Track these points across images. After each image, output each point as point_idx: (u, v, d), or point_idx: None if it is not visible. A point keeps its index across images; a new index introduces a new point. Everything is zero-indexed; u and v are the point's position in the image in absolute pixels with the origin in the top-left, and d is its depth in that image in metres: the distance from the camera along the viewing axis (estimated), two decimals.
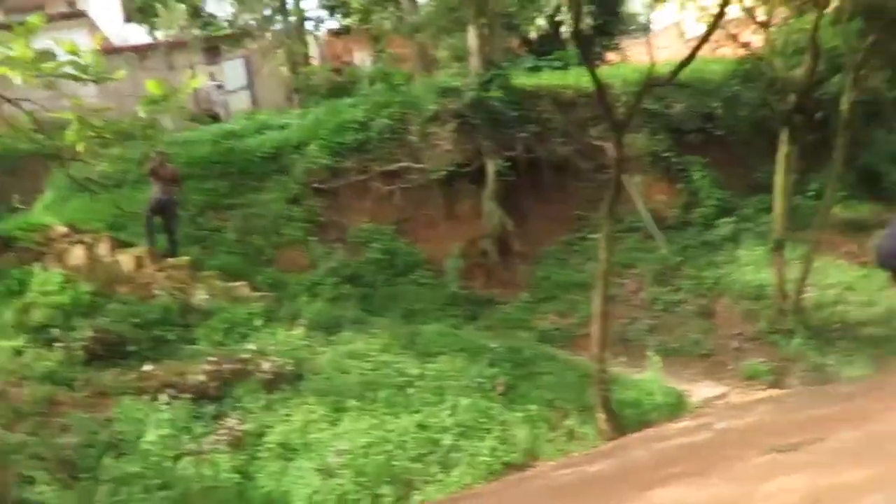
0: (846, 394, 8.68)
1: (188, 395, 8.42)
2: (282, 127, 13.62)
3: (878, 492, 4.90)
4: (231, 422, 8.24)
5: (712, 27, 10.50)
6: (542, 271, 12.90)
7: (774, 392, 9.93)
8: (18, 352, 8.82)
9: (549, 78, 14.78)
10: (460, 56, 15.60)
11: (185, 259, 10.94)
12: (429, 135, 12.92)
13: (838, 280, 12.43)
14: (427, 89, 13.36)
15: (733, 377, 10.62)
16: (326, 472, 7.54)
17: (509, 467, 8.11)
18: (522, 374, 9.63)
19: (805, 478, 5.58)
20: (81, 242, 10.52)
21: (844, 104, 12.10)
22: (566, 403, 9.10)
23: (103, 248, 10.55)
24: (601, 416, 8.79)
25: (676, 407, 9.44)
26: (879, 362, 10.55)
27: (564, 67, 15.36)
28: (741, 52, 14.75)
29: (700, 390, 10.08)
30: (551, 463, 8.04)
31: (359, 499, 7.24)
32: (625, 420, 9.04)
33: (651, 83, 9.57)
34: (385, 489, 7.38)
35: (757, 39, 14.54)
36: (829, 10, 12.89)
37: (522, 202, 13.24)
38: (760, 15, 13.20)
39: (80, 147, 5.21)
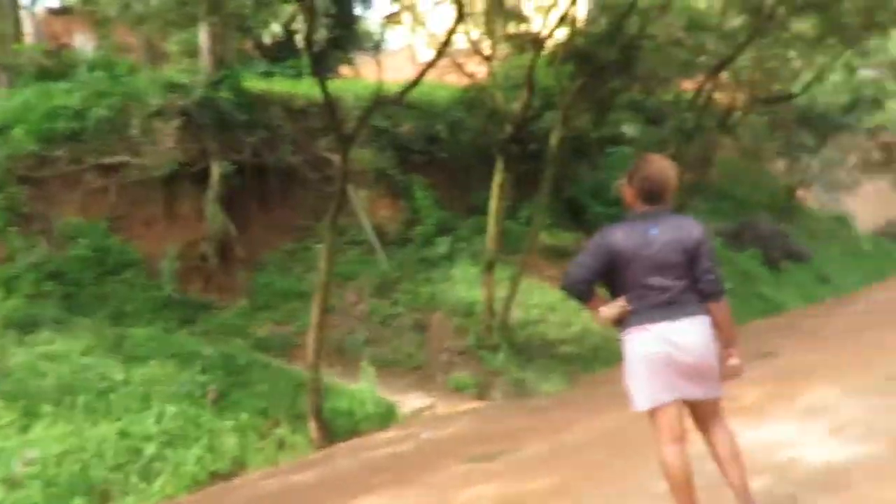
0: (542, 407, 9.45)
1: None
2: None
3: (563, 496, 5.38)
4: None
5: (439, 54, 11.00)
6: (262, 278, 12.75)
7: (478, 404, 10.53)
8: None
9: (281, 85, 14.69)
10: (192, 52, 15.08)
11: None
12: (151, 130, 12.33)
13: (541, 301, 13.42)
14: (152, 83, 12.75)
15: (442, 389, 11.11)
16: (11, 483, 6.96)
17: (216, 477, 7.95)
18: (236, 382, 9.46)
19: (498, 485, 5.99)
20: None
21: (554, 139, 13.11)
22: (279, 412, 9.07)
23: None
24: (313, 424, 8.87)
25: (387, 417, 9.73)
26: (572, 378, 11.55)
27: (298, 76, 15.34)
28: (466, 81, 15.56)
29: (410, 401, 10.46)
30: (259, 472, 7.98)
31: None
32: (336, 429, 9.18)
33: (380, 101, 9.85)
34: (78, 500, 6.95)
35: (481, 71, 15.42)
36: (546, 51, 13.97)
37: (247, 208, 13.01)
38: (485, 49, 14.01)
39: None
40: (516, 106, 13.66)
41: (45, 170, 11.94)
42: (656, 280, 3.94)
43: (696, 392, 3.98)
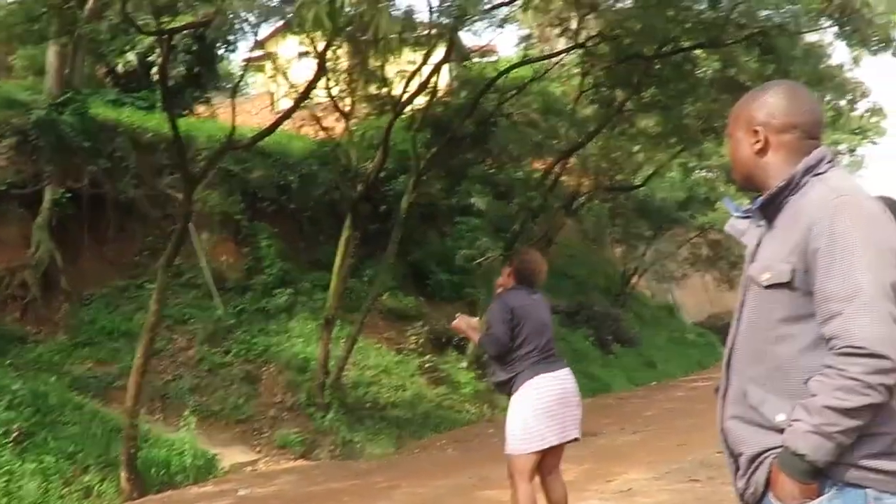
0: (365, 470, 9.27)
1: None
2: None
3: None
4: None
5: (296, 105, 10.96)
6: (87, 314, 12.04)
7: (303, 463, 10.25)
8: None
9: (131, 116, 14.16)
10: (38, 70, 14.35)
11: None
12: None
13: (377, 363, 13.35)
14: None
15: (267, 445, 10.77)
16: None
17: None
18: (44, 422, 8.84)
19: None
20: None
21: (404, 203, 13.23)
22: (89, 458, 8.53)
23: None
24: (124, 474, 8.38)
25: (205, 470, 9.31)
26: (401, 442, 11.45)
27: (150, 108, 14.85)
28: (323, 135, 15.54)
29: (233, 455, 10.08)
30: None
31: None
32: (150, 480, 8.70)
33: (231, 145, 9.68)
34: None
35: (339, 127, 15.45)
36: (404, 116, 14.19)
37: (79, 238, 12.33)
38: (344, 106, 14.07)
39: None
40: (370, 165, 13.74)
41: None
42: (544, 335, 4.69)
43: (570, 435, 4.66)
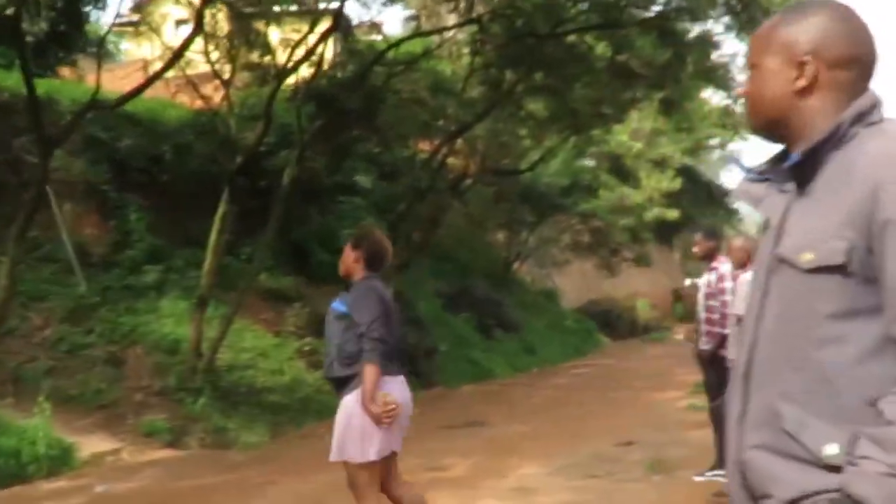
0: (238, 462, 8.68)
1: None
2: None
3: None
4: None
5: (168, 65, 10.22)
6: None
7: (171, 452, 9.54)
8: None
9: None
10: None
11: None
12: None
13: (253, 345, 12.70)
14: None
15: (132, 432, 9.98)
16: None
17: None
18: None
19: None
20: None
21: (286, 178, 12.61)
22: None
23: None
24: None
25: (61, 460, 8.51)
26: (277, 430, 10.87)
27: (9, 67, 13.63)
28: (200, 103, 14.69)
29: (92, 443, 9.28)
30: None
31: None
32: None
33: (95, 105, 8.90)
34: None
35: (217, 96, 14.63)
36: (288, 87, 13.53)
37: None
38: (224, 73, 13.31)
39: None
40: (250, 137, 13.04)
41: None
42: (393, 334, 4.22)
43: (399, 444, 4.30)
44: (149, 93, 16.38)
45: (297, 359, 13.11)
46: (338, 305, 4.31)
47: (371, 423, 3.98)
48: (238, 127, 14.24)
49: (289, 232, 15.51)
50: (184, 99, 15.53)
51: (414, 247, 16.02)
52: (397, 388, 4.13)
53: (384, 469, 4.27)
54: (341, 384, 4.15)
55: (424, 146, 17.85)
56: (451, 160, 17.60)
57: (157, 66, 11.94)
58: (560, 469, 6.51)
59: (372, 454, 4.04)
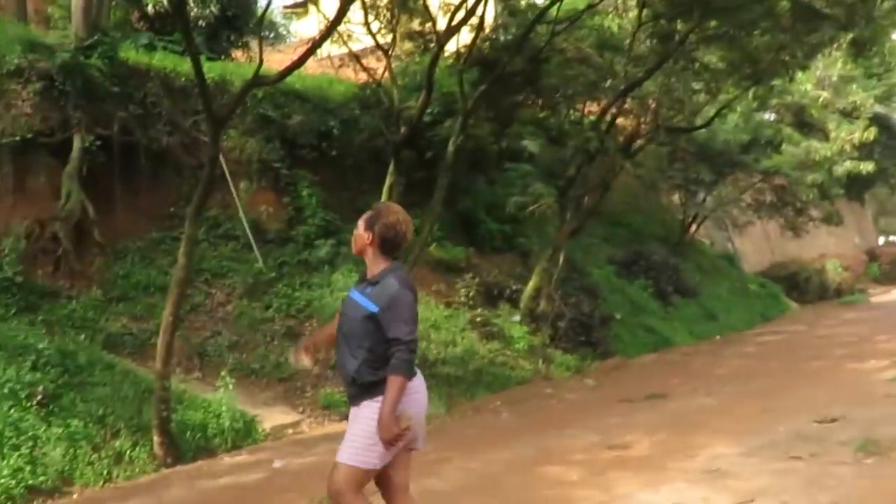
0: None
1: None
2: None
3: None
4: None
5: (327, 32, 10.16)
6: (121, 268, 11.47)
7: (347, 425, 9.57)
8: None
9: (163, 60, 13.44)
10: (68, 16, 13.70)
11: None
12: (5, 92, 10.95)
13: (425, 317, 12.61)
14: (11, 40, 11.36)
15: (311, 405, 10.13)
16: None
17: (35, 492, 6.83)
18: (71, 383, 8.29)
19: None
20: None
21: (451, 147, 12.41)
22: (120, 421, 7.96)
23: None
24: (157, 438, 7.80)
25: (244, 433, 8.72)
26: (451, 402, 10.74)
27: (184, 52, 14.11)
28: (364, 77, 14.73)
29: (274, 416, 9.47)
30: (85, 492, 6.89)
31: None
32: (185, 444, 8.13)
33: (258, 81, 8.95)
34: None
35: (380, 68, 14.62)
36: (449, 54, 13.29)
37: (111, 189, 11.71)
38: (385, 44, 13.24)
39: None
40: (414, 108, 12.92)
41: None
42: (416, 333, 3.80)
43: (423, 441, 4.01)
44: (314, 69, 16.70)
45: (469, 330, 12.95)
46: (362, 301, 3.83)
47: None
48: (401, 98, 14.18)
49: (456, 202, 15.37)
50: (348, 74, 15.66)
51: (585, 212, 15.48)
52: (422, 389, 3.92)
53: (390, 478, 3.96)
54: (367, 389, 3.78)
55: (592, 107, 17.20)
56: (620, 120, 16.87)
57: (326, 47, 12.04)
58: (755, 449, 5.92)
59: (374, 460, 3.76)
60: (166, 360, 8.08)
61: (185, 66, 13.41)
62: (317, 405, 10.17)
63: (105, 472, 7.41)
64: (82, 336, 9.67)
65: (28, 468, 6.93)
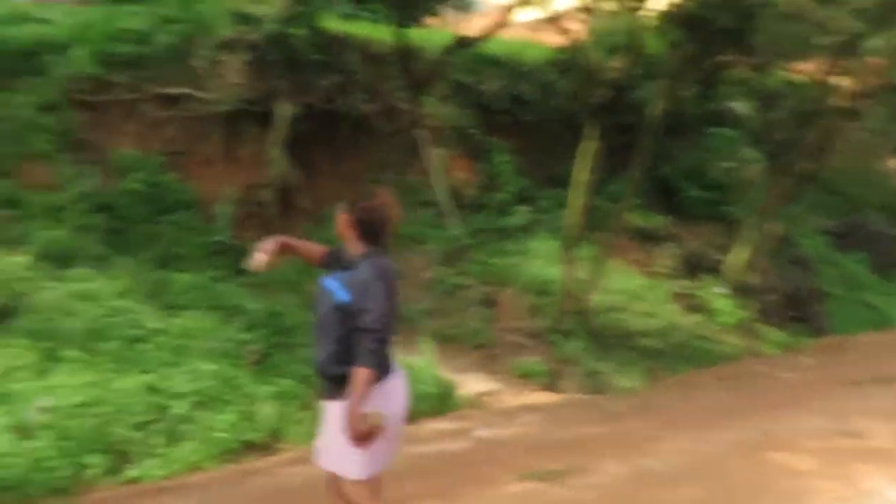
0: (618, 413, 8.16)
1: None
2: (43, 21, 11.57)
3: None
4: None
5: None
6: (324, 232, 11.71)
7: (547, 396, 9.35)
8: None
9: (361, 28, 13.60)
10: None
11: None
12: (217, 63, 11.39)
13: (623, 287, 12.17)
14: (221, 12, 11.79)
15: (508, 373, 9.97)
16: (21, 431, 6.14)
17: (249, 447, 7.04)
18: (281, 343, 8.52)
19: None
20: None
21: (653, 111, 11.82)
22: None
23: None
24: None
25: (444, 399, 8.65)
26: (652, 376, 10.29)
27: (378, 21, 14.24)
28: (561, 40, 14.27)
29: (471, 383, 9.37)
30: (293, 451, 7.02)
31: (57, 466, 5.90)
32: None
33: (458, 44, 8.76)
34: (93, 458, 6.10)
35: (578, 29, 14.11)
36: (654, 13, 12.61)
37: (313, 155, 12.02)
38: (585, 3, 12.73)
39: None
40: (613, 71, 12.37)
41: (102, 95, 11.11)
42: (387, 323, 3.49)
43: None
44: (509, 34, 16.42)
45: (670, 301, 12.38)
46: (335, 289, 3.54)
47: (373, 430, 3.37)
48: (601, 61, 13.64)
49: (656, 168, 14.71)
50: (544, 38, 15.27)
51: (798, 179, 14.41)
52: (400, 391, 3.66)
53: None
54: (339, 383, 3.47)
55: (806, 66, 15.93)
56: (839, 79, 15.53)
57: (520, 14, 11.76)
58: None
59: (367, 469, 3.50)
60: None
61: (383, 34, 13.51)
62: (513, 374, 10.01)
63: (312, 432, 7.53)
64: (289, 297, 9.96)
65: (243, 424, 7.13)
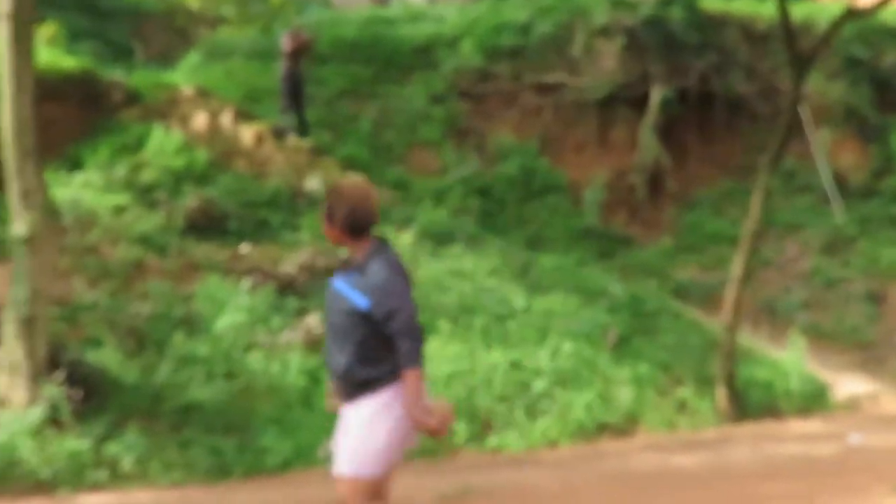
0: None
1: (273, 284, 7.92)
2: (437, 19, 12.66)
3: None
4: (311, 321, 7.66)
5: None
6: (692, 217, 11.57)
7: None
8: (120, 209, 8.54)
9: (741, 4, 13.02)
10: None
11: (307, 142, 10.36)
12: (593, 50, 11.65)
13: None
14: (598, 0, 12.00)
15: (892, 376, 9.09)
16: None
17: (605, 429, 7.22)
18: (640, 328, 8.58)
19: None
20: (207, 108, 10.09)
21: None
22: (683, 370, 8.01)
23: (227, 118, 10.08)
24: (722, 392, 7.68)
25: (814, 399, 8.16)
26: None
27: None
28: None
29: (847, 384, 8.70)
30: (648, 438, 7.06)
31: None
32: (749, 402, 7.88)
33: (851, 15, 8.06)
34: (459, 425, 6.65)
35: None
36: None
37: (685, 139, 11.83)
38: None
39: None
40: None
41: (484, 85, 11.91)
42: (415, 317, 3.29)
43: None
44: None
45: None
46: (349, 293, 3.27)
47: (396, 433, 3.23)
48: None
49: None
50: None
51: None
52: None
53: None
54: (363, 386, 3.24)
55: None
56: None
57: None
58: None
59: (376, 468, 3.30)
60: (733, 314, 7.88)
61: (766, 9, 12.86)
62: None
63: (668, 419, 7.51)
64: (652, 283, 9.96)
65: (600, 405, 7.30)
